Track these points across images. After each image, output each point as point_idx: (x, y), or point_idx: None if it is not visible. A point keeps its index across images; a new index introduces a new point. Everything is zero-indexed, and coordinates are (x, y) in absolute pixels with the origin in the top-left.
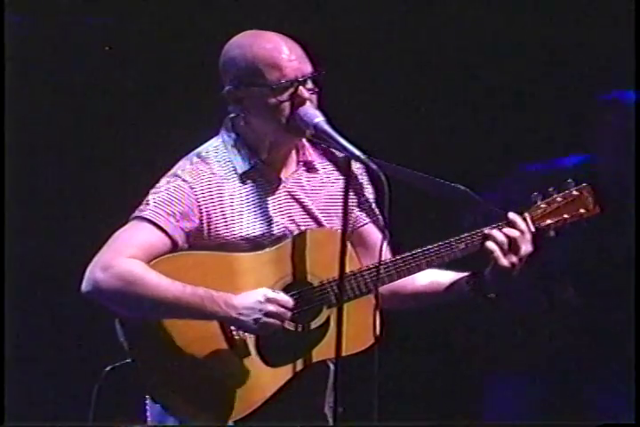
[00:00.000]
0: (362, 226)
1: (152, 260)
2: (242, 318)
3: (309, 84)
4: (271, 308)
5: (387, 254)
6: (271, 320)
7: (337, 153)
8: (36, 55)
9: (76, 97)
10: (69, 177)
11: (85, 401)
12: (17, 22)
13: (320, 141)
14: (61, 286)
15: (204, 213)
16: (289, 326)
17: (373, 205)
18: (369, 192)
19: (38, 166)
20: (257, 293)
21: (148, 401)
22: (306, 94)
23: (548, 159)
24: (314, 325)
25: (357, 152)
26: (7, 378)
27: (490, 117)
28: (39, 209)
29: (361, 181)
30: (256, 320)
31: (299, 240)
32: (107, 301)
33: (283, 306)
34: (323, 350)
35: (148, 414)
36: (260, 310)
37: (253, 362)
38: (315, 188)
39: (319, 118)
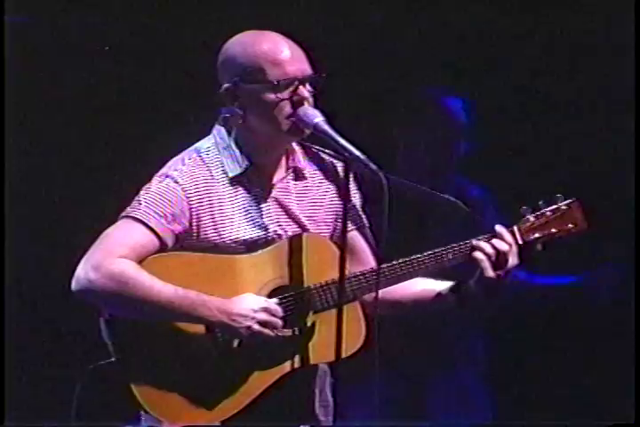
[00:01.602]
0: (348, 231)
1: (141, 261)
2: (234, 324)
3: (308, 86)
4: (263, 316)
5: (372, 262)
6: (262, 329)
7: (326, 158)
8: (36, 55)
9: (75, 97)
10: (69, 176)
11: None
12: (17, 22)
13: (311, 146)
14: (62, 286)
15: (195, 216)
16: (279, 332)
17: (360, 211)
18: (356, 198)
19: (38, 166)
20: (250, 300)
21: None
22: (305, 93)
23: None
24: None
25: (357, 153)
26: (7, 378)
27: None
28: (38, 209)
29: (349, 186)
30: (248, 328)
31: (292, 244)
32: (98, 300)
33: (274, 315)
34: (308, 355)
35: (142, 418)
36: (253, 318)
37: (238, 365)
38: (301, 194)
39: (319, 118)
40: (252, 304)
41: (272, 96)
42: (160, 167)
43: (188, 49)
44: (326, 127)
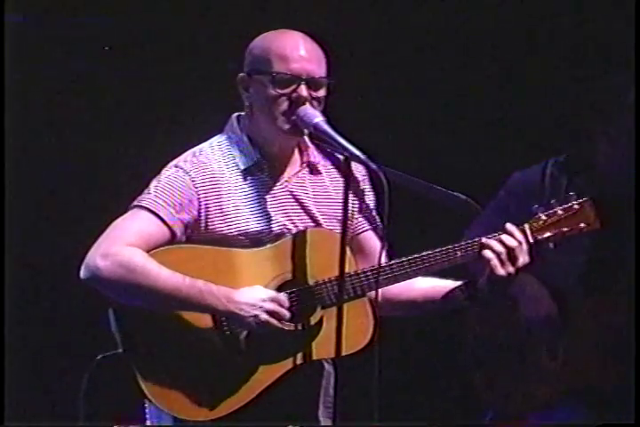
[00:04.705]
0: (362, 232)
1: (150, 249)
2: (241, 313)
3: (322, 91)
4: (271, 306)
5: (383, 261)
6: (270, 319)
7: (339, 156)
8: (36, 55)
9: (75, 97)
10: (70, 175)
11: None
12: (17, 22)
13: (321, 143)
14: (62, 285)
15: (203, 206)
16: (284, 325)
17: (374, 212)
18: (370, 199)
19: (38, 165)
20: (258, 290)
21: (146, 401)
22: (304, 93)
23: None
24: (307, 324)
25: (357, 152)
26: (7, 378)
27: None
28: (40, 205)
29: (363, 186)
30: (255, 317)
31: (299, 239)
32: (106, 288)
33: (282, 306)
34: (314, 350)
35: (146, 411)
36: (261, 307)
37: (244, 358)
38: (318, 191)
39: (319, 118)
40: (260, 294)
41: (271, 90)
42: (164, 165)
43: (188, 48)
44: (326, 127)
